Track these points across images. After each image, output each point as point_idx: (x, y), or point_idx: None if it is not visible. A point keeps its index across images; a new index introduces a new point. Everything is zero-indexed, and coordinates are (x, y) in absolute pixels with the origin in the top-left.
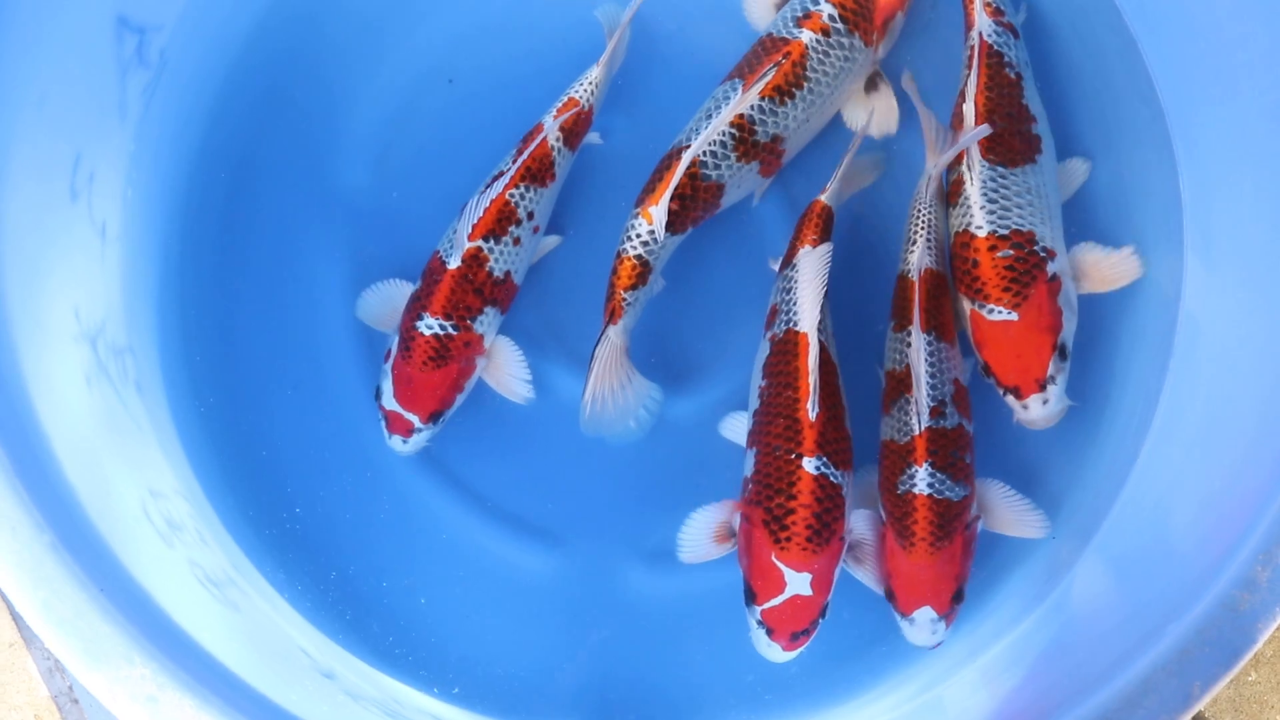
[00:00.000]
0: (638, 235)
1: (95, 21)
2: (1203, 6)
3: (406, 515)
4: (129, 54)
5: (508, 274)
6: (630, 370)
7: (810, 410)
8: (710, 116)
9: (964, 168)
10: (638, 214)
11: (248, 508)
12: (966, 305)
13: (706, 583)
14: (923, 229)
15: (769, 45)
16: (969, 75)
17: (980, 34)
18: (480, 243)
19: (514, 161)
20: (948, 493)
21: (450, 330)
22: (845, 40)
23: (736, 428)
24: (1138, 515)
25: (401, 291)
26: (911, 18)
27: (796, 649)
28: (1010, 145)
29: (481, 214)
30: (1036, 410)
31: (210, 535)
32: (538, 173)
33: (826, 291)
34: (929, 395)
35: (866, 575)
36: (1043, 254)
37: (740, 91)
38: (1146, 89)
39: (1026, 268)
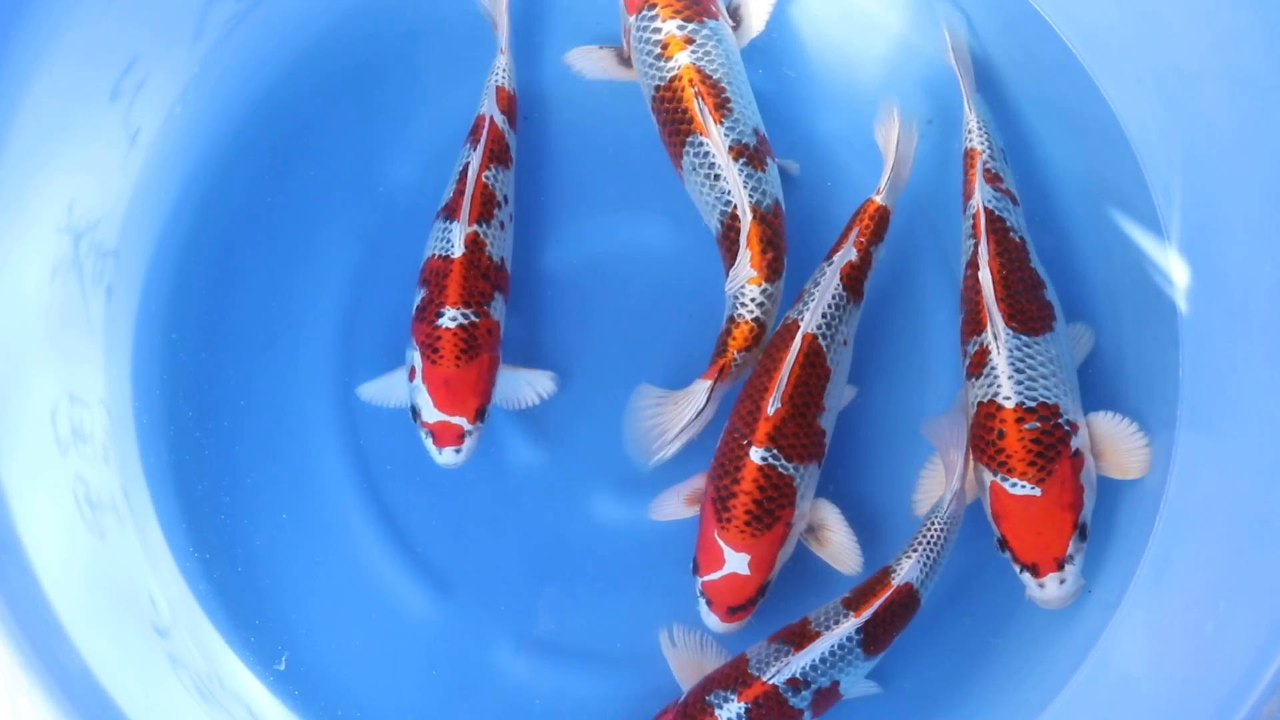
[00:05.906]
0: (751, 299)
1: None
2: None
3: (320, 511)
4: None
5: (502, 260)
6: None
7: (770, 404)
8: (710, 170)
9: (989, 336)
10: (741, 284)
11: (177, 425)
12: (987, 477)
13: (583, 685)
14: (923, 544)
15: (668, 93)
16: (976, 244)
17: (981, 202)
18: (476, 227)
19: (474, 149)
20: None
21: (473, 317)
22: (706, 30)
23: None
24: None
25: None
26: None
27: (734, 622)
28: (1029, 312)
29: (471, 198)
30: (1053, 590)
31: (115, 455)
32: (499, 154)
33: (861, 299)
34: (800, 669)
35: (828, 554)
36: (1067, 428)
37: (710, 138)
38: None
39: (1052, 441)
